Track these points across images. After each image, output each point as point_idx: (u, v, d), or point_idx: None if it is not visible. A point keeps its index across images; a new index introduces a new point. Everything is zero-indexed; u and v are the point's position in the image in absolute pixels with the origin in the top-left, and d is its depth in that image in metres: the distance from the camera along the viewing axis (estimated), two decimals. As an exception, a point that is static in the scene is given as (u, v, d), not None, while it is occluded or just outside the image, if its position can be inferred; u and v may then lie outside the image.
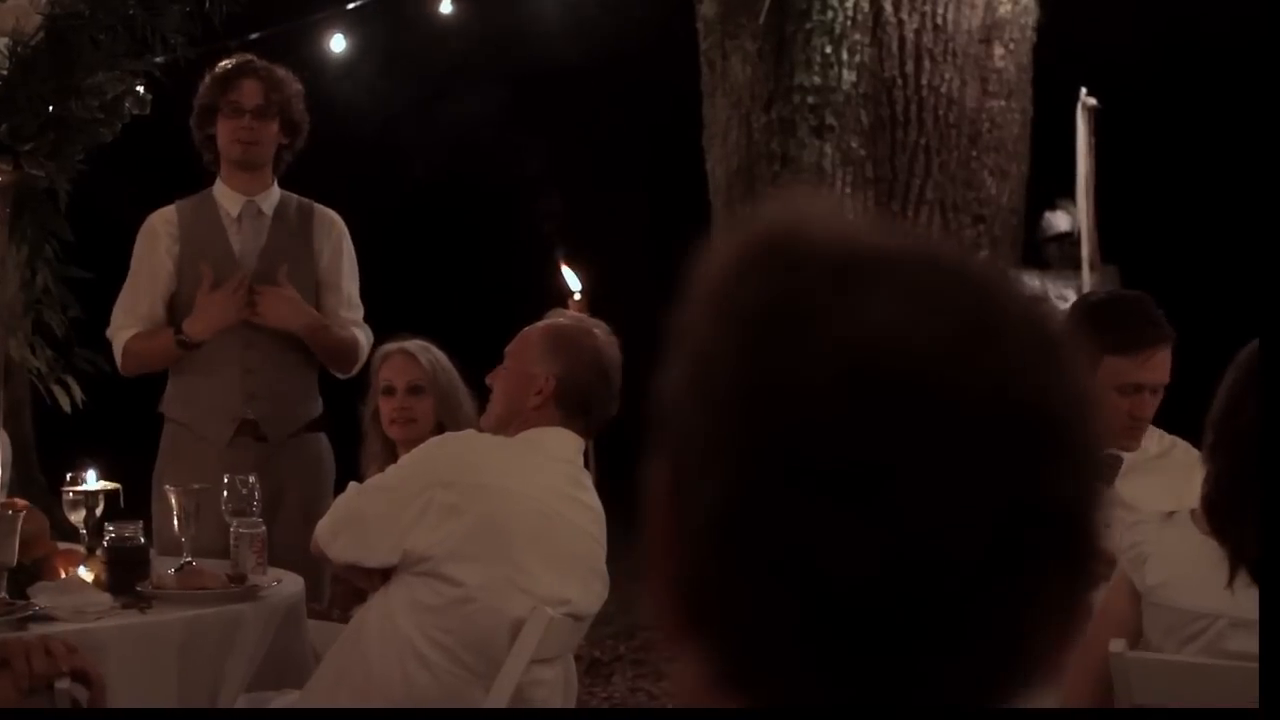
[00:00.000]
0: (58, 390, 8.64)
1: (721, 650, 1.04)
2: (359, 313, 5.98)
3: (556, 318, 4.67)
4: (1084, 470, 1.04)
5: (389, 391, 5.63)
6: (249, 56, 6.07)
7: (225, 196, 5.90)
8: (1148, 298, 4.84)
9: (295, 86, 5.98)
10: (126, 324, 5.88)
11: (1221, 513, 3.67)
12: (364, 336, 5.94)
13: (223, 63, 5.97)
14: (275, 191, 5.96)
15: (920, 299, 1.02)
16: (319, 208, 6.01)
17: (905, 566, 0.99)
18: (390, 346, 5.74)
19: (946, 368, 1.00)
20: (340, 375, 5.99)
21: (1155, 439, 4.80)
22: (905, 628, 0.99)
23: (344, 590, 5.17)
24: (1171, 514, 3.89)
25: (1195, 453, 4.67)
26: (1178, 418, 4.31)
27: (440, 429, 5.25)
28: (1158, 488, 4.53)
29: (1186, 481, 4.36)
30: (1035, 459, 1.01)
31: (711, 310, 1.06)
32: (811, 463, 0.99)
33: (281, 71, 5.99)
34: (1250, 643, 3.30)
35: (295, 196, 6.01)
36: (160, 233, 5.91)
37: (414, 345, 5.69)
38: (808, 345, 1.01)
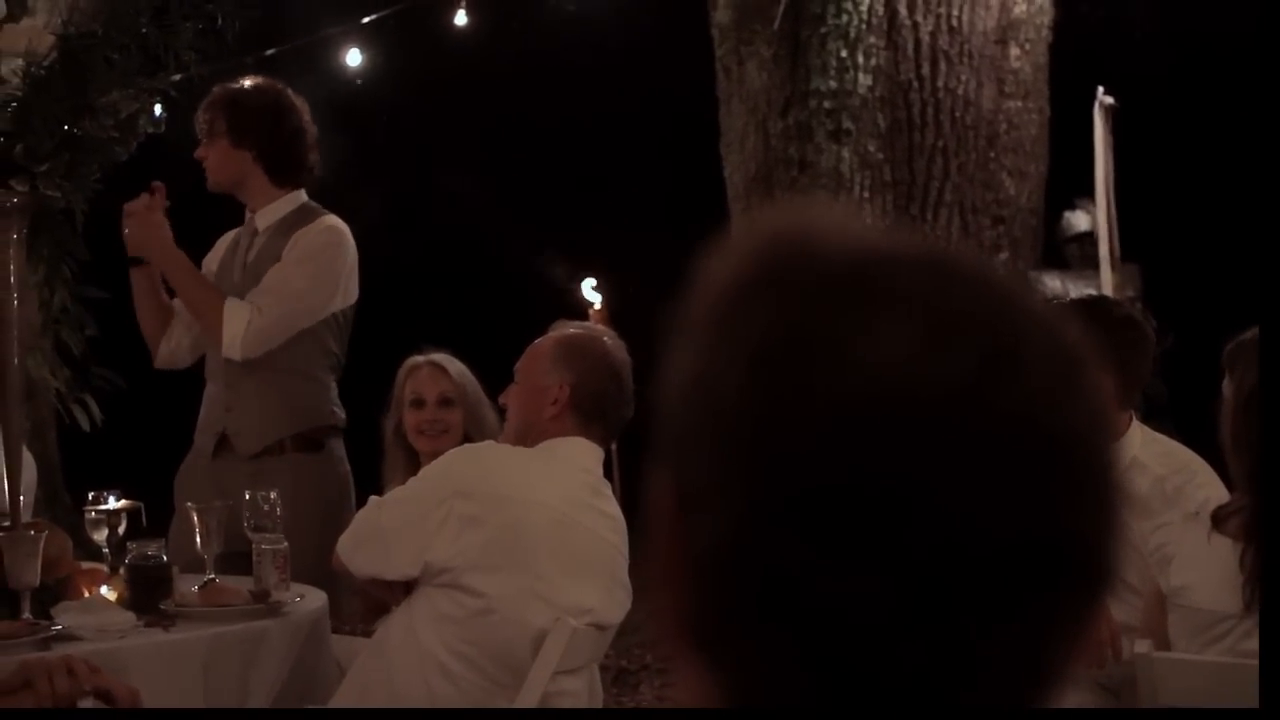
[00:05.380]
0: (76, 410, 8.66)
1: (722, 678, 1.03)
2: (276, 300, 5.64)
3: (563, 329, 4.68)
4: (1104, 499, 1.02)
5: (418, 404, 5.63)
6: (225, 82, 5.97)
7: (246, 216, 5.92)
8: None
9: (252, 97, 5.82)
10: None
11: (1241, 517, 3.67)
12: (243, 310, 5.63)
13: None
14: (284, 206, 5.83)
15: (937, 325, 0.98)
16: (320, 219, 5.81)
17: (915, 605, 0.96)
18: (417, 359, 5.73)
19: (966, 400, 0.97)
20: (225, 354, 5.68)
21: (1139, 436, 4.75)
22: (915, 668, 0.97)
23: (367, 604, 5.17)
24: (1195, 515, 3.88)
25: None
26: (1201, 415, 4.29)
27: (468, 440, 5.25)
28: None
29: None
30: (1055, 491, 0.98)
31: (716, 333, 1.03)
32: (819, 498, 0.96)
33: (234, 85, 5.89)
34: (1275, 642, 3.29)
35: (312, 210, 5.87)
36: (212, 253, 5.98)
37: (442, 357, 5.69)
38: (817, 379, 0.97)
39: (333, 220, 5.82)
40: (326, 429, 5.83)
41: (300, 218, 5.82)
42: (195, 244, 5.92)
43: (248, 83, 5.90)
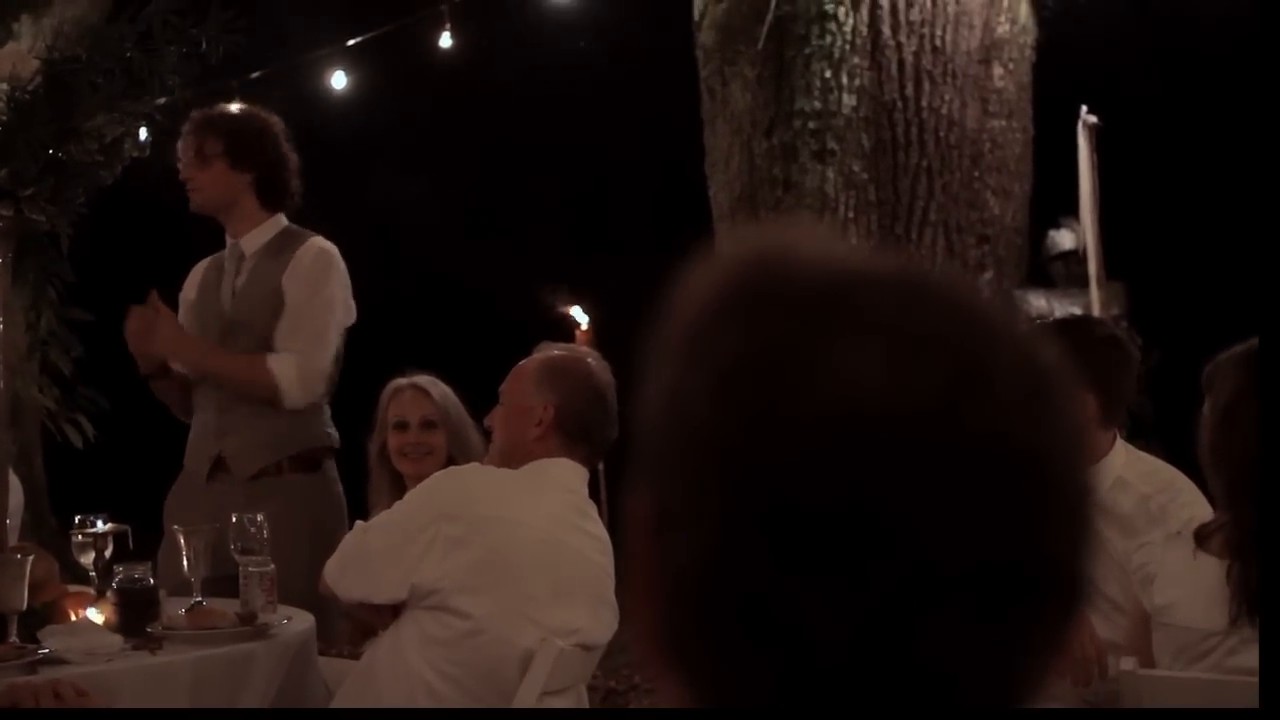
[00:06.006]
0: (69, 428, 8.66)
1: (700, 694, 1.03)
2: (312, 343, 5.74)
3: (548, 350, 4.69)
4: (1075, 517, 1.01)
5: (402, 426, 5.63)
6: (207, 108, 5.97)
7: (228, 242, 5.94)
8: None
9: (249, 122, 5.88)
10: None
11: (1224, 534, 3.68)
12: (292, 367, 5.71)
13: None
14: (268, 230, 5.90)
15: (906, 344, 0.99)
16: (307, 244, 5.87)
17: (885, 623, 0.96)
18: (400, 382, 5.74)
19: (934, 420, 0.97)
20: (285, 407, 5.75)
21: (1124, 455, 4.75)
22: (889, 682, 0.97)
23: (354, 627, 5.17)
24: (1176, 534, 3.89)
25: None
26: (1186, 433, 4.29)
27: (451, 463, 5.25)
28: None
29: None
30: (1024, 509, 0.98)
31: (689, 351, 1.04)
32: (792, 518, 0.96)
33: (213, 112, 5.90)
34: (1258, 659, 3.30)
35: (297, 233, 5.94)
36: (186, 286, 6.02)
37: (424, 380, 5.70)
38: (785, 398, 0.98)
39: (323, 241, 5.89)
40: (322, 450, 5.87)
41: (288, 239, 5.88)
42: (177, 265, 5.95)
43: (236, 108, 5.93)
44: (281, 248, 5.86)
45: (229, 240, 5.93)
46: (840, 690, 0.98)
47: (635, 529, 1.06)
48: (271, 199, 5.91)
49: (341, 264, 5.87)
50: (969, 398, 0.98)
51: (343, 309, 5.86)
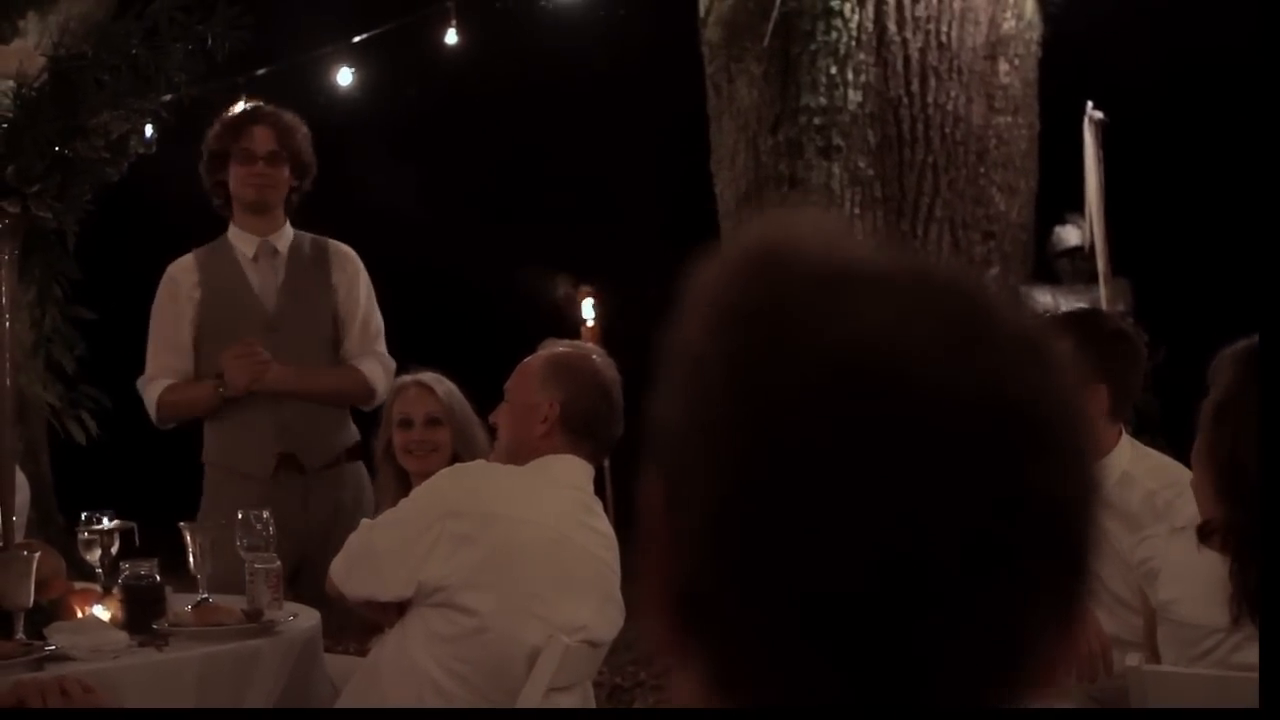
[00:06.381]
0: (72, 424, 8.68)
1: (716, 656, 1.05)
2: (379, 342, 6.05)
3: (553, 347, 4.69)
4: (1071, 468, 1.04)
5: (406, 424, 5.64)
6: (258, 103, 6.23)
7: (240, 239, 6.00)
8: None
9: (303, 130, 6.08)
10: (157, 375, 5.98)
11: (1225, 529, 3.68)
12: (378, 368, 5.99)
13: (233, 109, 6.04)
14: (289, 231, 6.05)
15: (909, 304, 1.02)
16: (333, 243, 6.10)
17: (896, 566, 0.98)
18: (405, 379, 5.76)
19: (934, 367, 1.00)
20: (364, 409, 6.06)
21: (1130, 450, 4.75)
22: (899, 627, 0.99)
23: (360, 624, 5.17)
24: (1180, 529, 3.89)
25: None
26: (1192, 430, 4.29)
27: (456, 459, 5.25)
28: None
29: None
30: (1021, 456, 1.01)
31: (702, 318, 1.07)
32: (800, 465, 0.99)
33: (290, 116, 6.11)
34: (1265, 654, 3.30)
35: (309, 235, 6.10)
36: (181, 281, 6.02)
37: (428, 377, 5.70)
38: (795, 347, 1.01)
39: (349, 250, 6.15)
40: (358, 444, 6.07)
41: (311, 240, 6.10)
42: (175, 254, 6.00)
43: (289, 110, 6.16)
44: (310, 249, 6.06)
45: (252, 239, 6.00)
46: (855, 632, 1.00)
47: (647, 503, 1.09)
48: (292, 205, 6.11)
49: None
50: (966, 349, 1.01)
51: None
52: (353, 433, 6.04)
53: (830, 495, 0.99)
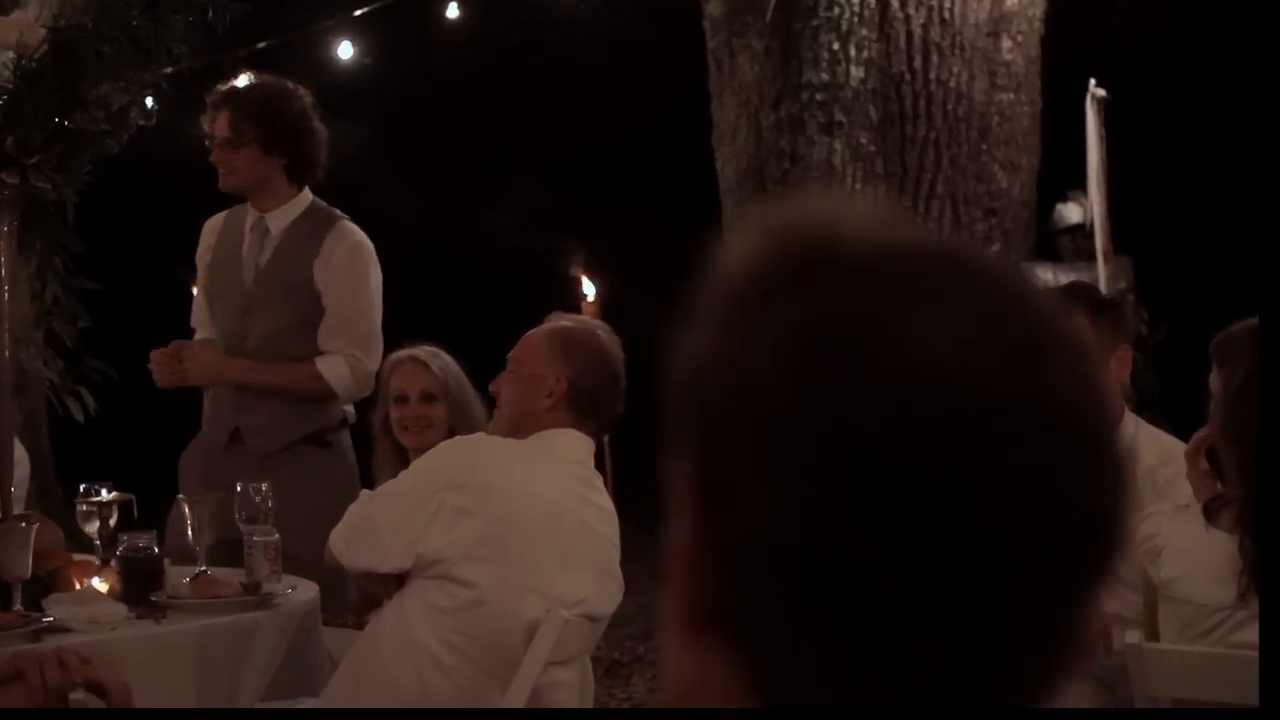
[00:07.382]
0: (71, 401, 8.67)
1: (748, 656, 1.04)
2: (364, 345, 5.75)
3: (559, 320, 4.68)
4: (1118, 474, 1.06)
5: (402, 399, 5.62)
6: (233, 84, 5.92)
7: (249, 210, 5.92)
8: None
9: (282, 102, 5.83)
10: (197, 325, 6.01)
11: (1236, 508, 3.67)
12: (344, 368, 5.72)
13: (229, 83, 5.91)
14: (296, 208, 5.86)
15: (971, 318, 1.03)
16: (339, 224, 5.84)
17: (960, 582, 1.00)
18: (400, 354, 5.72)
19: (998, 388, 1.01)
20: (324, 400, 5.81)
21: (1131, 426, 4.75)
22: (955, 641, 1.01)
23: (359, 596, 5.17)
24: (1185, 506, 3.88)
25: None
26: (1193, 407, 4.29)
27: (452, 434, 5.24)
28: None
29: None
30: (1078, 469, 1.03)
31: (746, 326, 1.05)
32: (865, 485, 1.00)
33: (261, 90, 5.86)
34: (1266, 633, 3.29)
35: (326, 211, 5.89)
36: (204, 239, 6.04)
37: (423, 352, 5.68)
38: (862, 369, 1.01)
39: (356, 232, 5.85)
40: (335, 426, 5.87)
41: (317, 220, 5.86)
42: (182, 234, 5.95)
43: (268, 84, 5.90)
44: (311, 230, 5.83)
45: (254, 213, 5.89)
46: (906, 651, 1.01)
47: (679, 499, 1.08)
48: (300, 176, 5.88)
49: (376, 259, 5.85)
50: (1027, 368, 1.03)
51: (380, 297, 5.84)
52: (325, 417, 5.82)
53: (899, 513, 0.99)
